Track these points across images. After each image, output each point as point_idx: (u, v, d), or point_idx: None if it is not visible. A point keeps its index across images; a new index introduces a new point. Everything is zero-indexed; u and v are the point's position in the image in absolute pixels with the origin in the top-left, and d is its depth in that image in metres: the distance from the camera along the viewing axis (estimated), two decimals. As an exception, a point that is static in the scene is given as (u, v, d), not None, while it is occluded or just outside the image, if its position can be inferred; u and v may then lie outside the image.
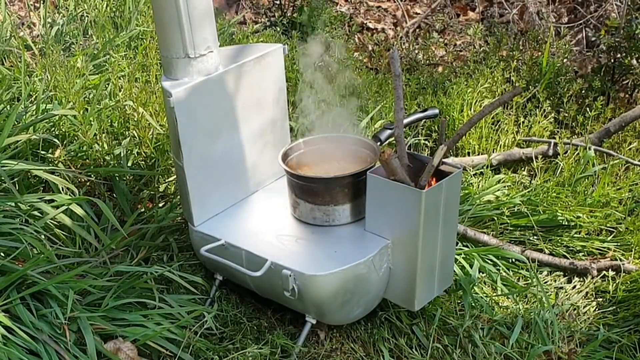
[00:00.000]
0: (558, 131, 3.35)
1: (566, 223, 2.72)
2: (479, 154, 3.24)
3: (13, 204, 2.23)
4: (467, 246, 2.61)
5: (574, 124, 3.38)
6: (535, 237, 2.71)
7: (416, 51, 4.13)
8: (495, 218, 2.73)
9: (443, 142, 2.00)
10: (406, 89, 3.58)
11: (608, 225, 2.74)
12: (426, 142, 3.27)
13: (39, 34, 3.63)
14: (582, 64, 4.01)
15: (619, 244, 2.68)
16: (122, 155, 2.68)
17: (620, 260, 2.61)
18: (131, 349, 2.04)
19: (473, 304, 2.40)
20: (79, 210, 2.32)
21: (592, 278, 2.57)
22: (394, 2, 4.94)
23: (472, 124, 2.06)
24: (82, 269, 2.17)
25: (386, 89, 3.50)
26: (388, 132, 2.39)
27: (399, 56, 2.07)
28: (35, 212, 2.28)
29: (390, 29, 4.72)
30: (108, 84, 3.09)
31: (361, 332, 2.28)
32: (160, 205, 2.65)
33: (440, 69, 4.06)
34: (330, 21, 4.31)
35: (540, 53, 3.69)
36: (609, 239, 2.71)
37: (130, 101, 2.89)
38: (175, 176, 2.65)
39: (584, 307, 2.48)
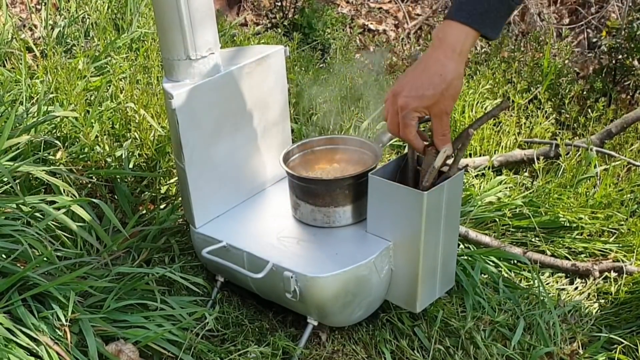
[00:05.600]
0: (559, 132, 3.35)
1: (568, 224, 2.72)
2: (480, 155, 3.24)
3: (14, 206, 2.23)
4: (468, 248, 2.61)
5: (575, 125, 3.38)
6: (537, 239, 2.71)
7: (414, 50, 4.13)
8: (497, 219, 2.72)
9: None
10: (407, 90, 3.57)
11: (610, 226, 2.74)
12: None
13: (40, 35, 3.63)
14: (584, 65, 4.01)
15: (621, 245, 2.68)
16: (123, 157, 2.68)
17: (623, 261, 2.61)
18: (133, 351, 2.04)
19: (475, 306, 2.40)
20: (80, 212, 2.32)
21: (594, 279, 2.57)
22: (395, 3, 4.94)
23: (461, 138, 2.05)
24: (84, 270, 2.17)
25: (388, 90, 3.50)
26: (390, 134, 2.39)
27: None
28: (37, 214, 2.28)
29: (391, 30, 4.73)
30: (109, 86, 3.09)
31: (363, 334, 2.27)
32: (162, 207, 2.65)
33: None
34: (331, 23, 4.31)
35: (541, 54, 3.69)
36: (611, 240, 2.71)
37: (131, 103, 2.89)
38: (176, 178, 2.64)
39: (586, 308, 2.48)
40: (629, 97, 3.67)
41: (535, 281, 2.49)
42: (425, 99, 1.76)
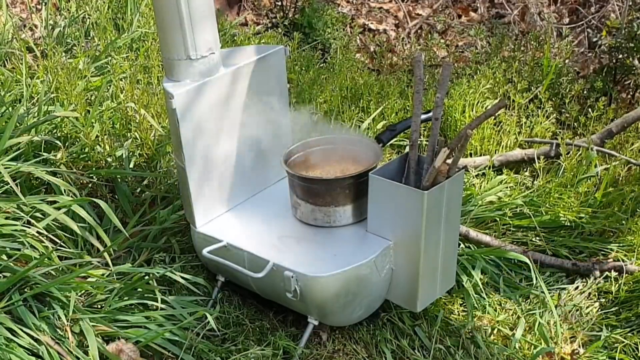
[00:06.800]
0: (560, 132, 3.35)
1: (568, 224, 2.72)
2: (480, 155, 3.24)
3: (15, 206, 2.23)
4: (469, 247, 2.61)
5: (576, 124, 3.38)
6: (537, 238, 2.71)
7: (418, 52, 4.13)
8: (498, 219, 2.72)
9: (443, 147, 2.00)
10: (407, 90, 3.58)
11: (611, 226, 2.74)
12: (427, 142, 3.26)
13: (41, 35, 3.63)
14: (584, 65, 4.01)
15: (621, 244, 2.68)
16: (123, 156, 2.68)
17: (623, 261, 2.61)
18: (133, 351, 2.04)
19: (475, 305, 2.40)
20: (81, 212, 2.32)
21: (595, 279, 2.57)
22: (396, 3, 4.94)
23: (460, 139, 2.05)
24: (84, 270, 2.17)
25: (388, 90, 3.50)
26: (390, 133, 2.39)
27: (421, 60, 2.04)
28: (38, 214, 2.28)
29: (392, 30, 4.72)
30: (110, 86, 3.09)
31: (363, 334, 2.27)
32: (162, 206, 2.65)
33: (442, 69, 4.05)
34: (331, 22, 4.31)
35: (541, 54, 3.69)
36: (611, 239, 2.71)
37: (132, 103, 2.89)
38: (177, 178, 2.64)
39: (587, 308, 2.48)
40: (629, 96, 3.66)
41: (536, 281, 2.49)
42: None
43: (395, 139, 2.82)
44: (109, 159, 2.69)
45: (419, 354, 2.22)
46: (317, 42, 4.15)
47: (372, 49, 4.38)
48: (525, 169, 3.15)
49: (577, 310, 2.46)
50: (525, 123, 3.36)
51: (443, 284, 2.23)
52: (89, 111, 2.82)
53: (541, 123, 3.32)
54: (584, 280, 2.59)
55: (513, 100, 3.39)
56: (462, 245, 2.59)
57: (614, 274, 2.56)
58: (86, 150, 2.70)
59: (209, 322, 2.20)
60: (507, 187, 2.93)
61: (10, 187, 2.22)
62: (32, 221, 2.20)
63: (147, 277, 2.25)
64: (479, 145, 3.26)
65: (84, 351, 1.98)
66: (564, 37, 3.91)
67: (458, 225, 2.20)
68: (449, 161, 2.01)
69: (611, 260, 2.63)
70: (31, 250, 2.11)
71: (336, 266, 2.07)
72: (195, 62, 2.13)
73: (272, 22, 4.40)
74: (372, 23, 4.75)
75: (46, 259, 2.10)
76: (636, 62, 3.50)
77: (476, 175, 3.06)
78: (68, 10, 3.80)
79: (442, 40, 4.46)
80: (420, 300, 2.16)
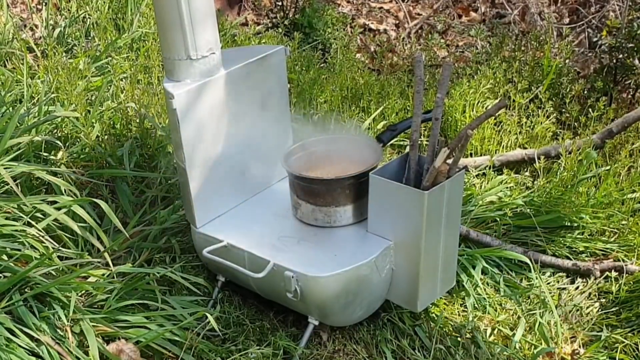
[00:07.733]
0: (560, 132, 3.35)
1: (569, 224, 2.72)
2: (481, 155, 3.24)
3: (15, 206, 2.23)
4: (469, 247, 2.61)
5: (576, 124, 3.38)
6: (538, 238, 2.70)
7: (418, 52, 4.13)
8: (498, 219, 2.72)
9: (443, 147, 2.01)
10: (407, 90, 3.58)
11: (611, 226, 2.74)
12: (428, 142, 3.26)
13: (41, 36, 3.63)
14: (584, 65, 4.01)
15: (622, 244, 2.68)
16: (124, 157, 2.68)
17: (623, 261, 2.61)
18: (134, 351, 2.04)
19: (476, 305, 2.40)
20: (81, 212, 2.32)
21: (595, 279, 2.57)
22: (396, 3, 4.94)
23: (460, 139, 2.06)
24: (85, 270, 2.17)
25: (388, 90, 3.50)
26: (391, 133, 2.39)
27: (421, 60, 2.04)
28: (38, 214, 2.28)
29: (392, 30, 4.72)
30: (110, 86, 3.10)
31: (364, 334, 2.28)
32: (163, 207, 2.65)
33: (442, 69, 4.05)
34: (332, 22, 4.31)
35: (542, 54, 3.69)
36: (612, 239, 2.71)
37: (132, 103, 2.89)
38: (177, 178, 2.65)
39: (587, 308, 2.48)
40: (629, 96, 3.66)
41: (536, 281, 2.49)
42: None
43: (395, 139, 2.82)
44: (110, 159, 2.69)
45: (419, 354, 2.22)
46: (317, 42, 4.15)
47: (372, 49, 4.38)
48: (525, 169, 3.15)
49: (577, 310, 2.46)
50: (525, 123, 3.36)
51: (443, 284, 2.23)
52: (89, 111, 2.82)
53: (541, 123, 3.32)
54: (584, 280, 2.59)
55: (513, 100, 3.39)
56: (462, 245, 2.59)
57: (614, 274, 2.56)
58: (87, 150, 2.70)
59: (209, 322, 2.20)
60: (507, 187, 2.93)
61: (11, 187, 2.22)
62: (32, 222, 2.20)
63: (147, 277, 2.25)
64: (480, 145, 3.26)
65: (84, 351, 1.98)
66: (565, 37, 3.91)
67: (458, 225, 2.20)
68: (450, 161, 2.01)
69: (611, 260, 2.63)
70: (31, 251, 2.11)
71: (337, 266, 2.07)
72: (196, 62, 2.13)
73: (272, 22, 4.40)
74: (372, 23, 4.76)
75: (46, 259, 2.10)
76: (636, 62, 3.50)
77: (476, 175, 3.06)
78: (68, 10, 3.80)
79: (443, 40, 4.46)
80: (421, 300, 2.16)
